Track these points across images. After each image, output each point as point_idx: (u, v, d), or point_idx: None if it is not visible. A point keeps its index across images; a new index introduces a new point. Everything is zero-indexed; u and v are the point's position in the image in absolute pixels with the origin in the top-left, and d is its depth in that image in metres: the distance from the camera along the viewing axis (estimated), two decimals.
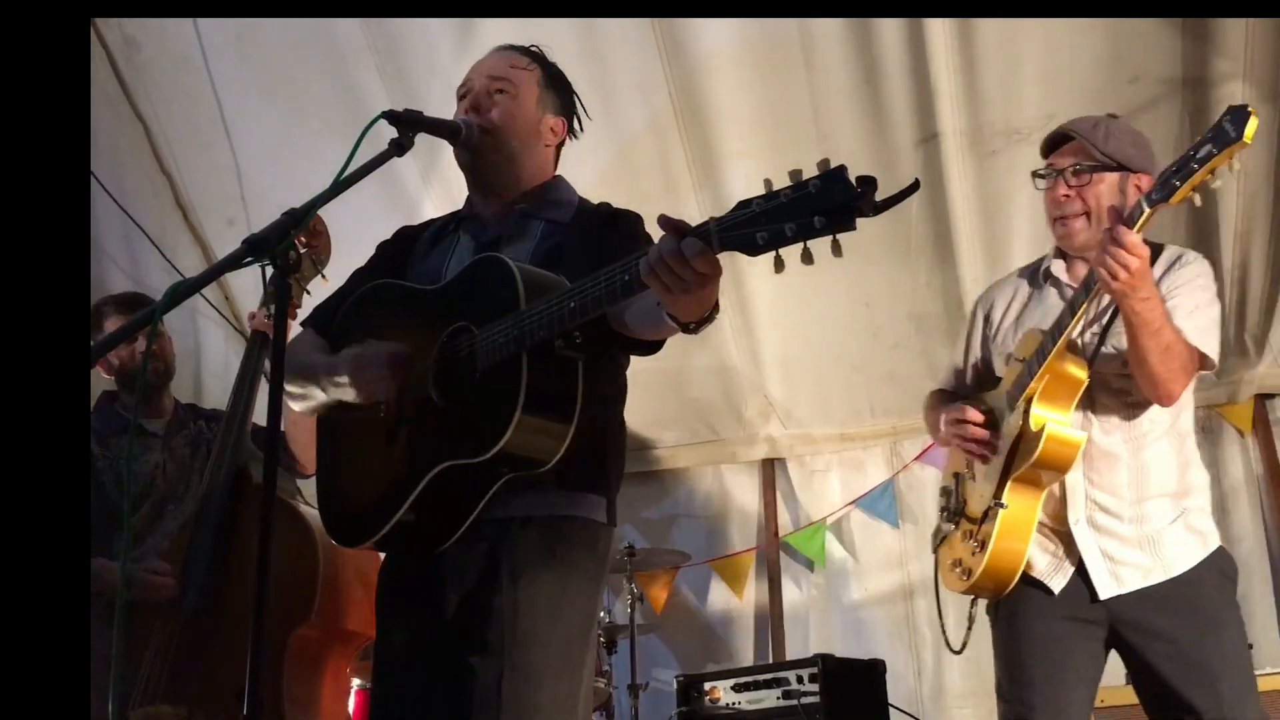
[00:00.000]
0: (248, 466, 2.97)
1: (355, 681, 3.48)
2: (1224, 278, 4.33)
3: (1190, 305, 2.50)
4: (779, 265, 1.56)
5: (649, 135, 4.20)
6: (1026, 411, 2.46)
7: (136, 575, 2.88)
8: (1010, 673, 2.56)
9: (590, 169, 4.17)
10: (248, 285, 4.66)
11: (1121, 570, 2.49)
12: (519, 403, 1.81)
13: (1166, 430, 2.55)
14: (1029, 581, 2.54)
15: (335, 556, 2.75)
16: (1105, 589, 2.48)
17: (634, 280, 1.69)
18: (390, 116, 2.00)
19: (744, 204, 1.57)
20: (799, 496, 4.96)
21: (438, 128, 2.12)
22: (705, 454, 5.09)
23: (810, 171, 1.56)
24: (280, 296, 1.66)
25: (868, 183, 1.48)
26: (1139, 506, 2.52)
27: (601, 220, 2.18)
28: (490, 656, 1.88)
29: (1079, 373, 2.45)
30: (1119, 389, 2.52)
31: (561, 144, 2.33)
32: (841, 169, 1.51)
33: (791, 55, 3.99)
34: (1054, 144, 2.63)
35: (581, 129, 2.36)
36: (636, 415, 4.76)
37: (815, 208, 1.49)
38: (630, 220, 2.18)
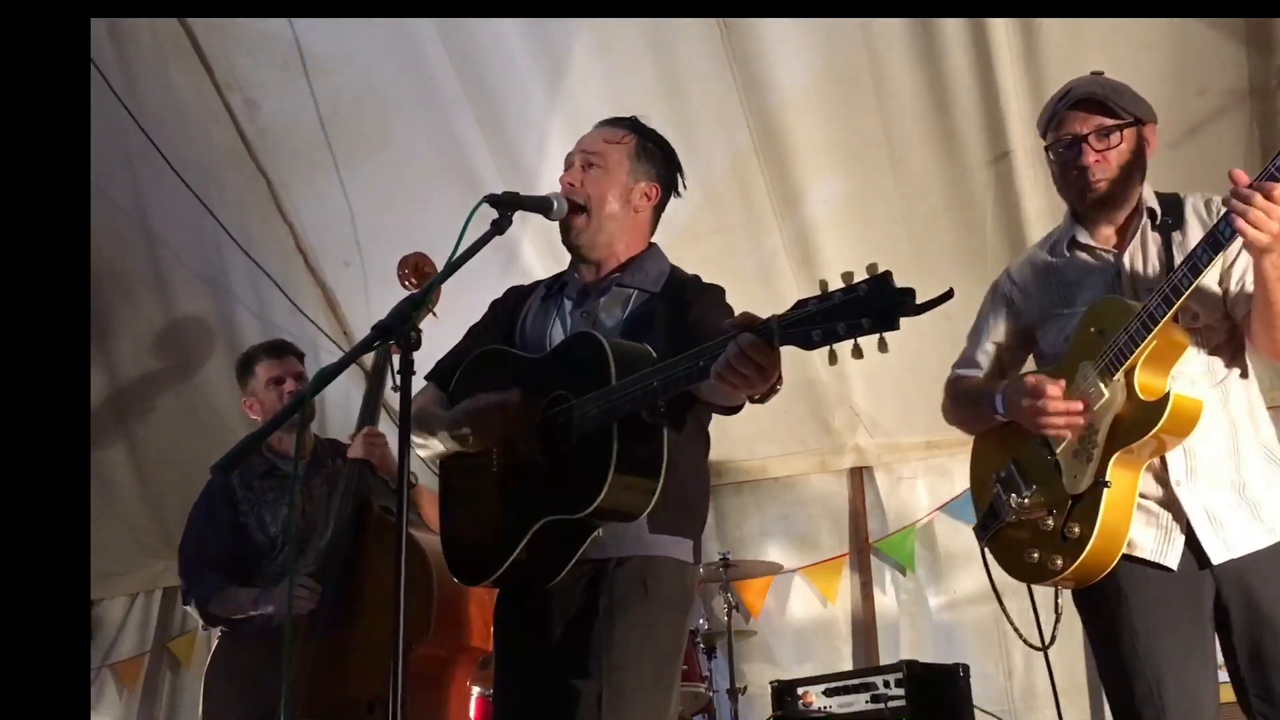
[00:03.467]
0: (370, 499, 3.28)
1: (475, 689, 3.76)
2: None
3: None
4: (833, 358, 1.79)
5: (730, 169, 4.41)
6: (1130, 384, 2.35)
7: (280, 598, 3.24)
8: (1129, 671, 2.39)
9: (679, 206, 4.41)
10: (362, 320, 5.04)
11: (1228, 535, 2.37)
12: (611, 467, 2.06)
13: (1239, 381, 2.48)
14: (1132, 564, 2.40)
15: (448, 578, 3.06)
16: (1216, 554, 2.36)
17: (709, 366, 1.93)
18: (490, 200, 2.26)
19: (802, 303, 1.80)
20: (887, 503, 5.11)
21: (531, 204, 2.38)
22: (796, 464, 5.28)
23: (861, 273, 1.77)
24: (405, 374, 1.93)
25: (908, 291, 1.71)
26: (1237, 459, 2.43)
27: (689, 292, 2.42)
28: (591, 680, 2.15)
29: (1183, 339, 2.37)
30: (1196, 344, 2.44)
31: (660, 206, 2.56)
32: (887, 274, 1.72)
33: (863, 85, 4.16)
34: (1057, 112, 2.56)
35: (685, 187, 2.60)
36: (730, 430, 5.00)
37: (864, 309, 1.71)
38: (715, 293, 2.44)
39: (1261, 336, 2.37)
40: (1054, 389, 2.43)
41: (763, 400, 2.00)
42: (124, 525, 5.73)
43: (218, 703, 3.52)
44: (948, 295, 1.70)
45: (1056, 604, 2.57)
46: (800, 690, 4.18)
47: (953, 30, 3.97)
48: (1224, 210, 2.24)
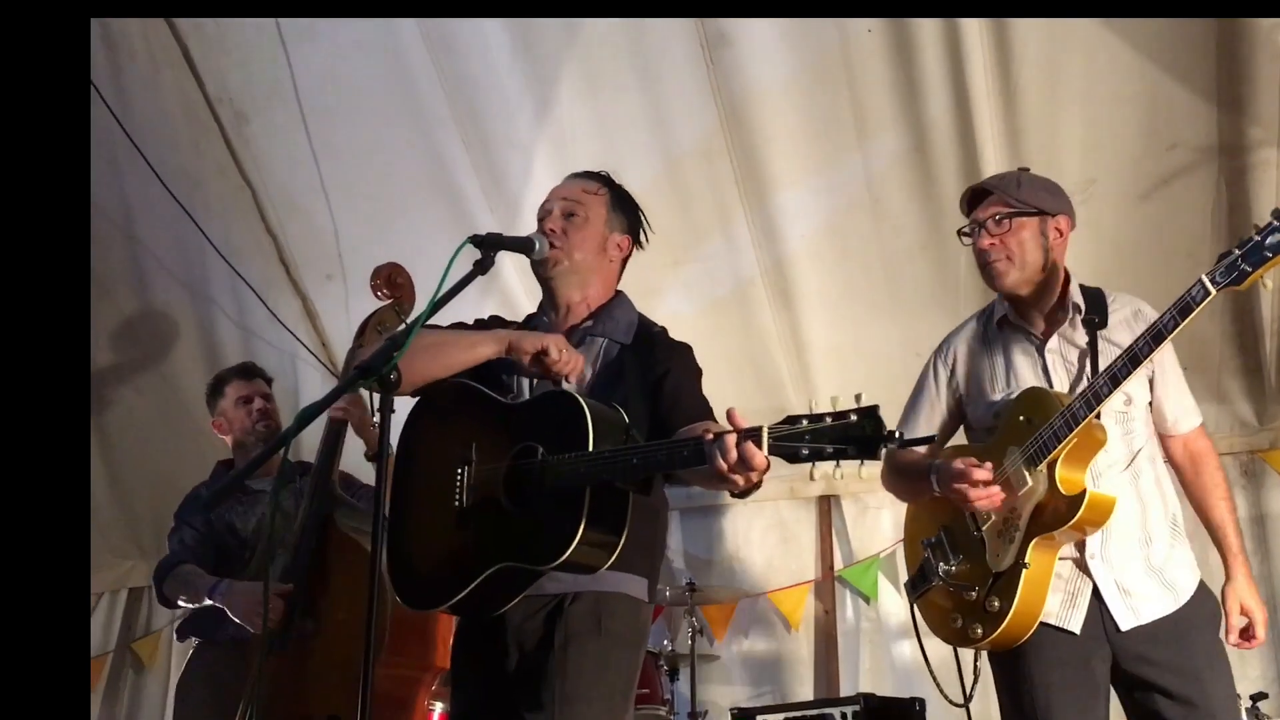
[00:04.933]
0: (333, 514, 3.32)
1: (437, 705, 3.80)
2: (1264, 330, 4.50)
3: (1177, 381, 2.77)
4: (812, 474, 1.90)
5: (712, 199, 4.48)
6: (1052, 476, 2.57)
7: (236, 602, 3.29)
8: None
9: (659, 231, 4.49)
10: (341, 333, 5.08)
11: (1136, 603, 2.61)
12: (581, 526, 2.12)
13: (1148, 459, 2.73)
14: (1039, 626, 2.62)
15: None
16: (1125, 621, 2.60)
17: (692, 456, 2.02)
18: (474, 240, 2.32)
19: (793, 419, 1.90)
20: (852, 533, 5.17)
21: (514, 245, 2.45)
22: (764, 490, 5.19)
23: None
24: (384, 411, 1.98)
25: (895, 432, 1.85)
26: (1144, 531, 2.67)
27: (660, 351, 2.50)
28: (543, 712, 2.22)
29: (1102, 436, 2.59)
30: (1118, 426, 2.68)
31: (628, 258, 2.66)
32: (874, 408, 1.85)
33: (845, 123, 4.25)
34: (973, 200, 2.85)
35: (648, 240, 2.68)
36: None
37: (851, 437, 1.83)
38: (685, 356, 2.51)
39: None
40: (979, 474, 2.61)
41: (743, 496, 2.09)
42: (92, 525, 5.73)
43: (189, 713, 3.56)
44: (930, 439, 1.83)
45: (975, 666, 2.84)
46: (759, 718, 4.25)
47: (934, 75, 4.06)
48: (1152, 325, 2.49)
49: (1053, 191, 2.83)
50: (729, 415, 1.97)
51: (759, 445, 1.90)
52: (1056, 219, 2.78)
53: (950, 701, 2.93)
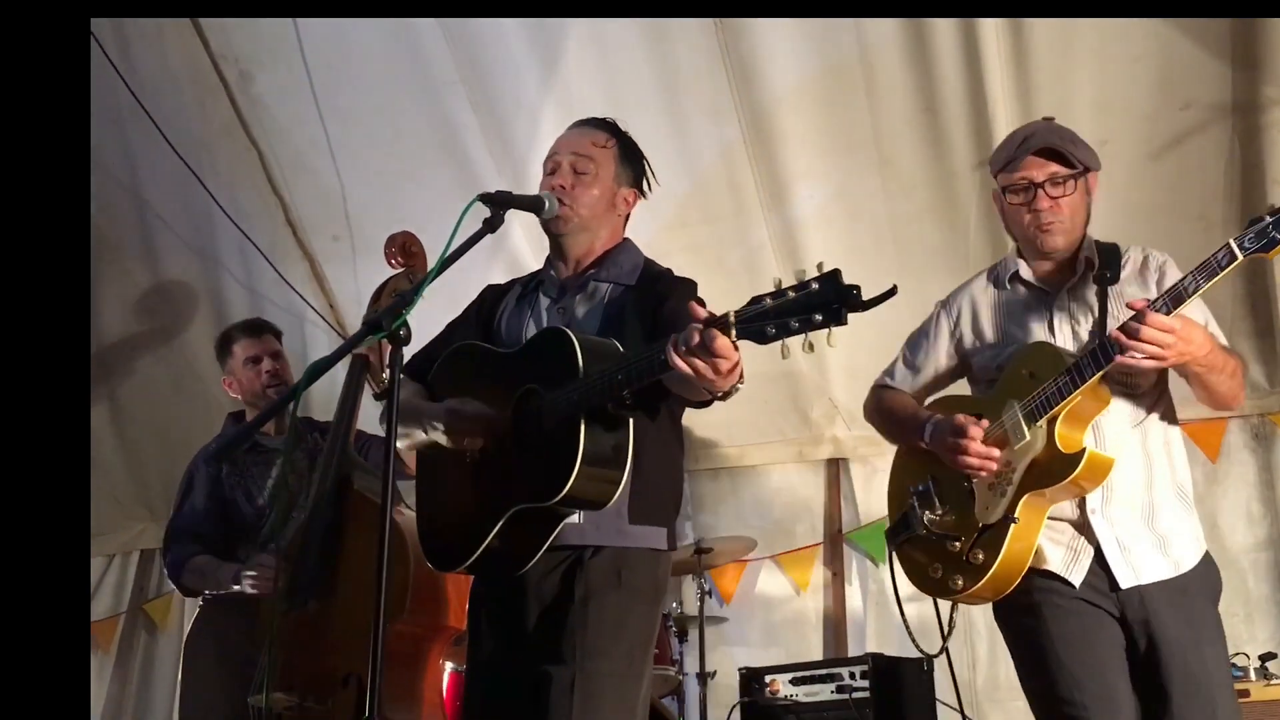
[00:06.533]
0: (351, 475, 3.32)
1: (448, 665, 3.81)
2: (1276, 292, 4.46)
3: (1202, 316, 2.57)
4: (785, 352, 1.88)
5: (720, 161, 4.46)
6: (1051, 432, 2.48)
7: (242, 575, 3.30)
8: (1051, 675, 2.54)
9: (667, 195, 4.47)
10: (349, 294, 5.07)
11: (1136, 561, 2.52)
12: (578, 457, 2.12)
13: (1160, 424, 2.63)
14: (1043, 576, 2.56)
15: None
16: (1125, 579, 2.51)
17: (668, 360, 2.00)
18: (484, 199, 2.31)
19: (757, 299, 1.88)
20: (860, 495, 5.17)
21: (523, 203, 2.44)
22: (773, 453, 5.34)
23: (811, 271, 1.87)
24: (394, 367, 1.99)
25: (854, 288, 1.80)
26: (1149, 494, 2.57)
27: (663, 285, 2.49)
28: (564, 665, 2.23)
29: (1106, 395, 2.51)
30: (1122, 382, 2.56)
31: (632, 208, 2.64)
32: (836, 272, 1.81)
33: (854, 85, 4.21)
34: (1016, 153, 2.63)
35: (651, 190, 2.66)
36: (709, 417, 5.08)
37: (814, 306, 1.80)
38: (687, 288, 2.49)
39: (1205, 399, 2.57)
40: (975, 431, 2.56)
41: (725, 397, 2.07)
42: (103, 487, 5.74)
43: (198, 670, 3.58)
44: (891, 292, 1.80)
45: (951, 619, 2.81)
46: (768, 678, 4.27)
47: (944, 35, 4.02)
48: (1172, 288, 2.34)
49: (1089, 147, 2.68)
50: (691, 309, 1.96)
51: (727, 333, 1.89)
52: (1092, 175, 2.66)
53: (923, 652, 2.93)
